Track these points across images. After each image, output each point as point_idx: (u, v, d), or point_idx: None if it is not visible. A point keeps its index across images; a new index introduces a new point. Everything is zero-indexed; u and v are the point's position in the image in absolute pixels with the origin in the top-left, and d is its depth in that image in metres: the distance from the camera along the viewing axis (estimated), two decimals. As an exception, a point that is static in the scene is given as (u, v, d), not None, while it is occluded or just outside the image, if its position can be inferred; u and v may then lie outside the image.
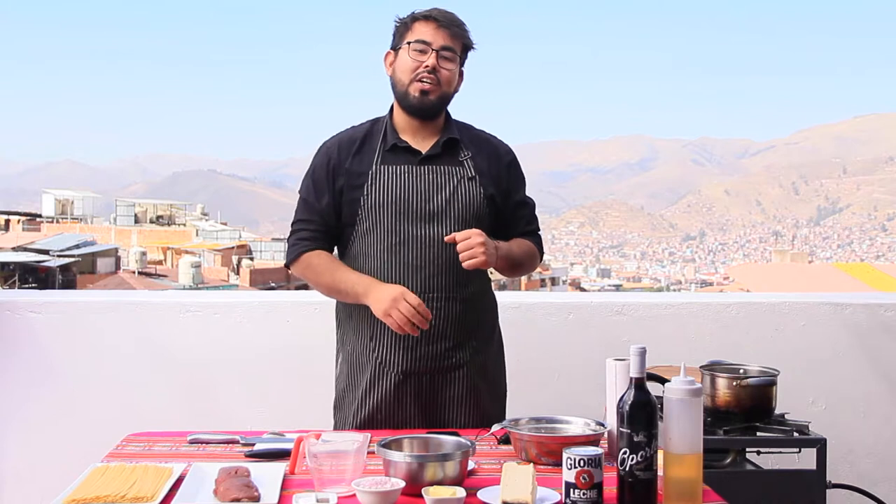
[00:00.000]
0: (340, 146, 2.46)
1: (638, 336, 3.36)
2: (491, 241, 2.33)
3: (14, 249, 32.62)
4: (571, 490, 1.70)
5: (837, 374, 3.57)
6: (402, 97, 2.42)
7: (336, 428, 2.49)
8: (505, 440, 2.17)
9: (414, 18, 2.43)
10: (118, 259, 35.43)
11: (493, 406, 2.50)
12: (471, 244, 2.27)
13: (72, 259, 31.59)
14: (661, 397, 1.79)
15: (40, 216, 47.05)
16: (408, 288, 2.34)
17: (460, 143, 2.47)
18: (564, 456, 1.72)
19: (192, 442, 2.24)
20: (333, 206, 2.44)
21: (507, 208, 2.51)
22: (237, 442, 2.23)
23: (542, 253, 2.60)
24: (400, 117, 2.46)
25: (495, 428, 2.17)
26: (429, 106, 2.41)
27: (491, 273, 2.55)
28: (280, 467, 1.96)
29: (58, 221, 45.68)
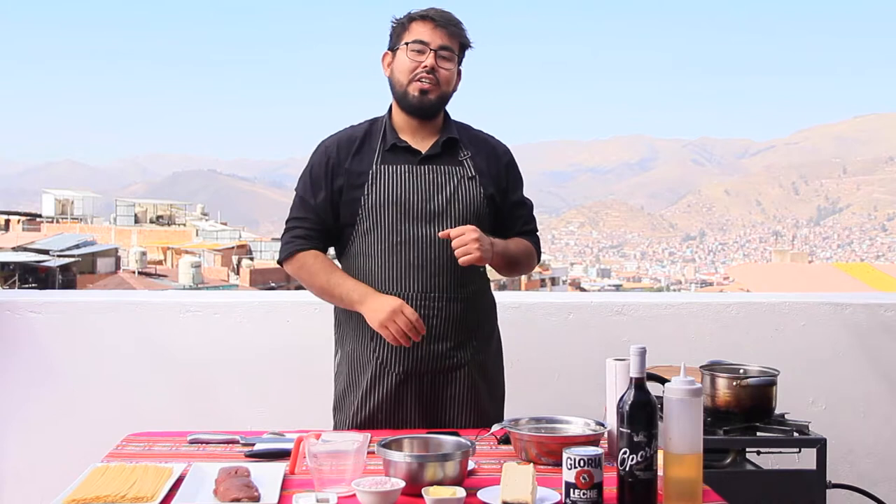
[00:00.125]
0: (340, 145, 2.46)
1: (638, 336, 3.36)
2: (486, 237, 2.32)
3: (14, 249, 32.62)
4: (571, 490, 1.70)
5: (837, 374, 3.57)
6: (401, 97, 2.42)
7: (336, 428, 2.49)
8: (505, 440, 2.17)
9: (411, 18, 2.42)
10: (118, 259, 35.43)
11: (492, 406, 2.51)
12: (465, 240, 2.26)
13: (72, 259, 31.59)
14: (661, 397, 1.79)
15: (40, 216, 47.06)
16: (408, 288, 2.35)
17: (460, 142, 2.47)
18: (564, 456, 1.72)
19: (192, 442, 2.24)
20: (331, 204, 2.43)
21: (505, 208, 2.51)
22: (237, 442, 2.23)
23: (539, 253, 2.60)
24: (399, 117, 2.46)
25: (495, 428, 2.17)
26: (428, 105, 2.41)
27: (490, 273, 2.55)
28: (280, 467, 1.96)
29: (58, 221, 45.68)
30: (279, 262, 2.51)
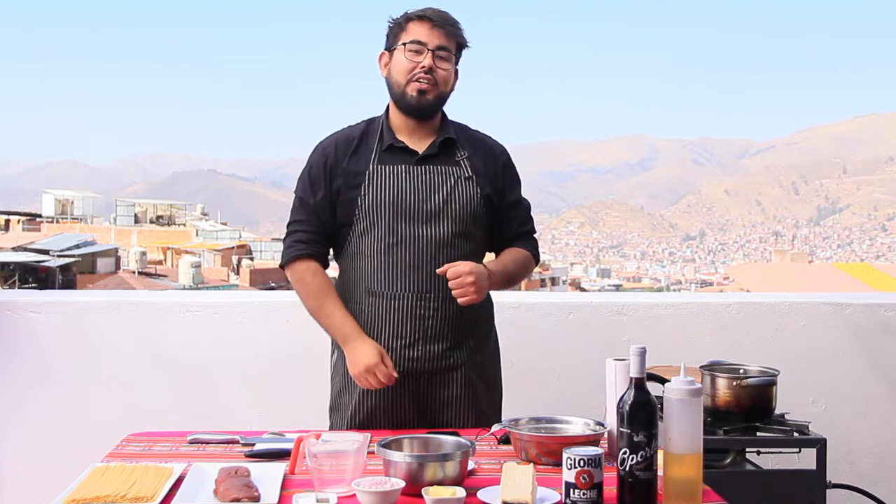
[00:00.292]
0: (338, 145, 2.46)
1: (638, 336, 3.36)
2: (483, 273, 2.32)
3: (14, 249, 32.62)
4: (571, 490, 1.70)
5: (837, 374, 3.57)
6: (399, 98, 2.42)
7: (332, 428, 2.49)
8: (505, 440, 2.17)
9: (408, 18, 2.42)
10: (118, 259, 35.42)
11: (489, 406, 2.50)
12: (462, 283, 2.28)
13: (72, 259, 31.59)
14: (661, 397, 1.79)
15: (40, 216, 47.06)
16: (404, 288, 2.36)
17: (457, 142, 2.46)
18: (564, 456, 1.71)
19: (192, 442, 2.24)
20: (330, 204, 2.43)
21: (502, 208, 2.51)
22: (237, 442, 2.23)
23: (537, 256, 2.59)
24: (396, 117, 2.45)
25: (495, 428, 2.17)
26: (426, 106, 2.40)
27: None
28: (280, 467, 1.96)
29: (58, 221, 45.69)
30: (281, 267, 2.52)
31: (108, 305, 3.49)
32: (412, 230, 2.37)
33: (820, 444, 2.60)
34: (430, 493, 1.72)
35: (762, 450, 2.78)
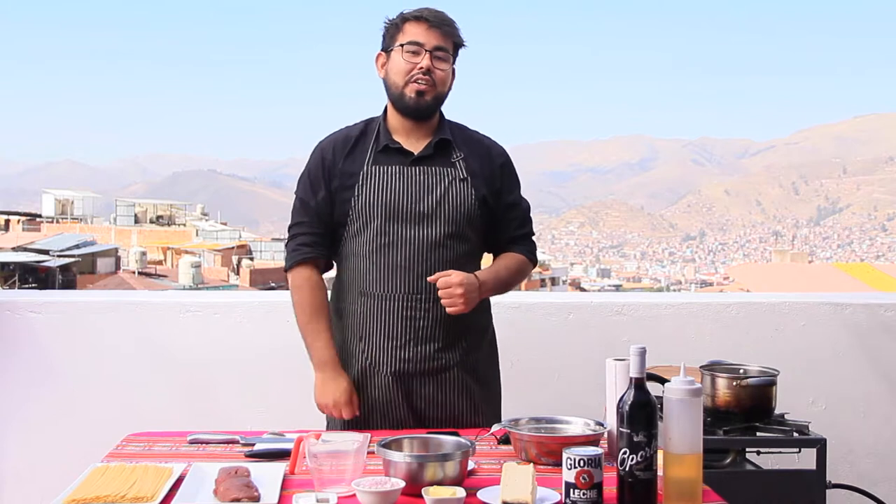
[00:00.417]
0: (335, 146, 2.46)
1: (638, 336, 3.36)
2: (474, 284, 2.32)
3: (14, 249, 32.62)
4: (571, 490, 1.70)
5: (837, 374, 3.57)
6: (397, 99, 2.41)
7: (329, 427, 2.49)
8: (505, 440, 2.17)
9: (404, 19, 2.41)
10: (118, 259, 35.43)
11: (485, 407, 2.48)
12: (451, 293, 2.28)
13: (72, 259, 31.59)
14: (661, 397, 1.79)
15: (40, 216, 47.07)
16: (395, 289, 2.36)
17: (453, 143, 2.45)
18: (564, 456, 1.71)
19: (192, 442, 2.24)
20: (330, 204, 2.44)
21: (498, 210, 2.49)
22: (237, 442, 2.23)
23: (534, 259, 2.57)
24: (394, 118, 2.45)
25: (495, 428, 2.17)
26: (425, 106, 2.40)
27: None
28: (280, 467, 1.96)
29: (58, 221, 45.69)
30: (285, 270, 2.52)
31: (108, 305, 3.49)
32: (404, 231, 2.36)
33: (820, 444, 2.60)
34: (430, 493, 1.72)
35: (762, 450, 2.78)
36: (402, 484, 1.76)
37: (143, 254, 36.33)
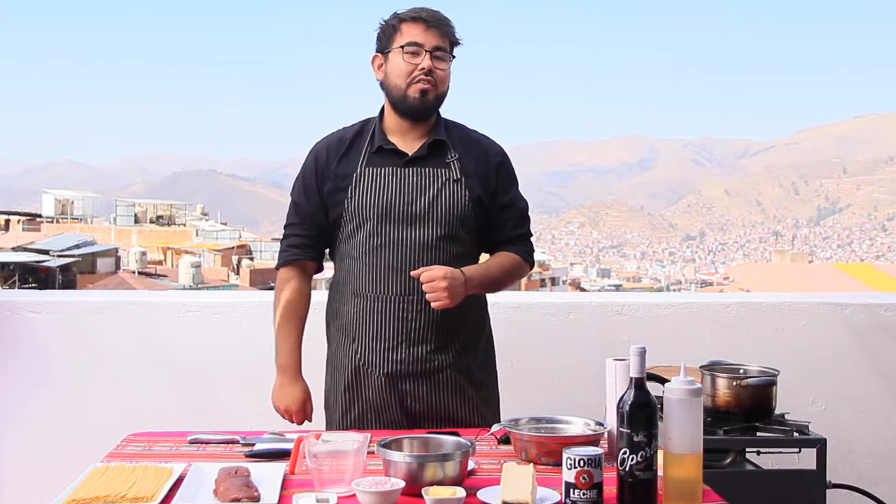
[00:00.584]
0: (329, 148, 2.46)
1: (638, 336, 3.36)
2: (458, 279, 2.30)
3: (14, 249, 32.63)
4: (571, 490, 1.70)
5: (837, 374, 3.57)
6: (399, 101, 2.39)
7: (327, 427, 2.50)
8: (505, 440, 2.17)
9: (401, 20, 2.39)
10: (118, 259, 35.44)
11: (482, 408, 2.47)
12: (435, 287, 2.27)
13: (72, 259, 31.60)
14: (661, 397, 1.79)
15: (40, 216, 47.08)
16: (388, 290, 2.36)
17: (448, 144, 2.44)
18: (564, 456, 1.71)
19: (192, 442, 2.24)
20: (322, 208, 2.45)
21: (493, 210, 2.47)
22: (237, 442, 2.23)
23: (530, 260, 2.55)
24: (391, 119, 2.44)
25: (495, 428, 2.17)
26: (428, 105, 2.39)
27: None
28: (280, 467, 1.96)
29: (58, 221, 45.70)
30: (276, 268, 2.57)
31: (108, 305, 3.49)
32: (397, 232, 2.36)
33: (820, 444, 2.60)
34: (430, 493, 1.72)
35: (762, 450, 2.78)
36: (402, 484, 1.76)
37: (143, 254, 36.35)
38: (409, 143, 2.43)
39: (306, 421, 2.50)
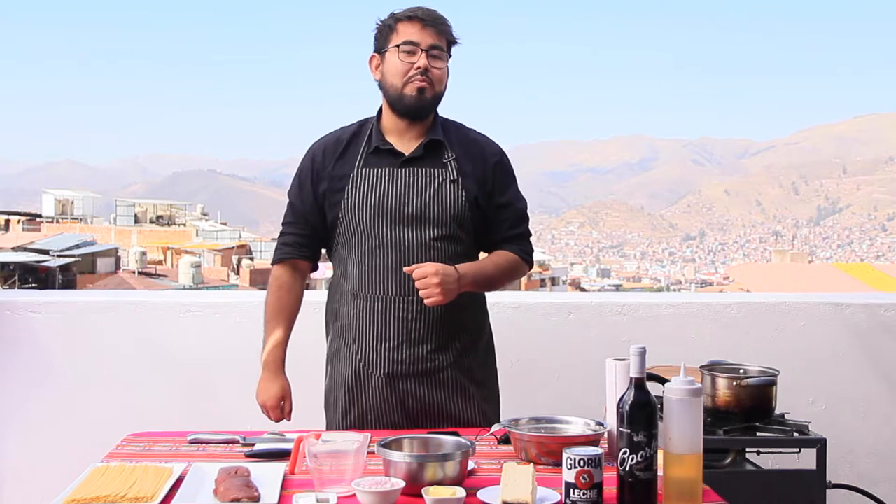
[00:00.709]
0: (326, 149, 2.46)
1: (638, 336, 3.36)
2: (451, 275, 2.28)
3: (14, 249, 32.63)
4: (571, 490, 1.70)
5: (837, 374, 3.57)
6: (396, 100, 2.39)
7: (327, 427, 2.50)
8: (505, 440, 2.17)
9: (397, 19, 2.39)
10: (118, 259, 35.44)
11: (483, 407, 2.47)
12: (428, 283, 2.26)
13: (72, 259, 31.60)
14: (661, 397, 1.79)
15: (40, 216, 47.08)
16: (387, 291, 2.36)
17: (445, 144, 2.43)
18: (564, 456, 1.71)
19: (192, 442, 2.24)
20: (317, 208, 2.45)
21: (490, 210, 2.47)
22: (237, 442, 2.23)
23: (528, 259, 2.54)
24: (388, 119, 2.44)
25: (495, 428, 2.17)
26: (425, 104, 2.38)
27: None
28: (280, 467, 1.96)
29: (58, 221, 45.71)
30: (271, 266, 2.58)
31: (108, 305, 3.49)
32: (394, 233, 2.36)
33: (820, 444, 2.60)
34: (430, 493, 1.72)
35: (762, 450, 2.78)
36: (402, 484, 1.76)
37: (143, 254, 36.35)
38: (406, 143, 2.42)
39: (285, 419, 2.50)
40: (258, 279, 32.87)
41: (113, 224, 46.77)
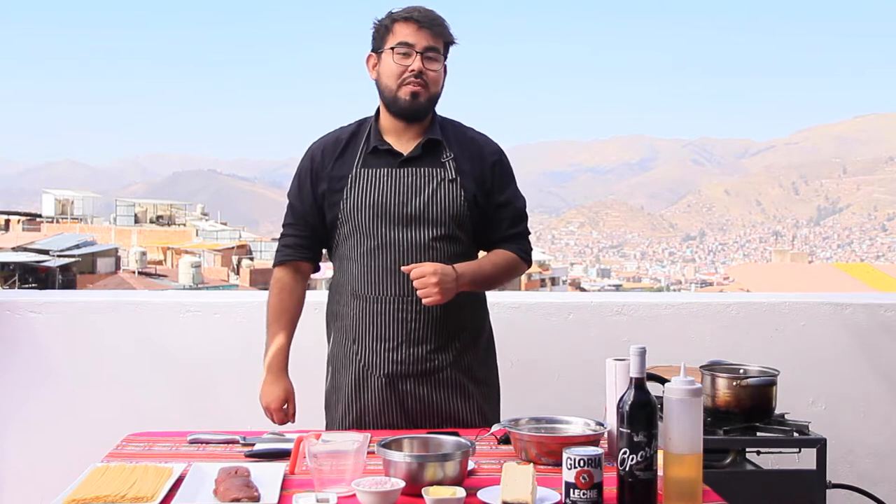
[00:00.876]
0: (325, 149, 2.46)
1: (638, 336, 3.36)
2: (449, 274, 2.28)
3: (14, 249, 32.63)
4: (571, 490, 1.70)
5: (837, 374, 3.57)
6: (391, 101, 2.39)
7: (327, 427, 2.50)
8: (505, 440, 2.17)
9: (393, 20, 2.38)
10: (118, 259, 35.45)
11: (483, 407, 2.47)
12: (426, 283, 2.26)
13: (72, 259, 31.60)
14: (661, 397, 1.79)
15: (40, 216, 47.09)
16: (386, 291, 2.36)
17: (443, 143, 2.43)
18: (564, 456, 1.71)
19: (192, 442, 2.24)
20: (317, 209, 2.45)
21: (489, 210, 2.46)
22: (237, 442, 2.23)
23: (527, 258, 2.54)
24: (386, 119, 2.44)
25: (495, 428, 2.17)
26: (419, 107, 2.38)
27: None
28: (280, 467, 1.96)
29: (58, 221, 45.72)
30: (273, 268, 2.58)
31: (108, 305, 3.49)
32: (393, 233, 2.36)
33: (820, 444, 2.60)
34: (430, 493, 1.72)
35: (762, 450, 2.78)
36: (402, 484, 1.76)
37: (143, 254, 36.35)
38: (404, 144, 2.42)
39: (289, 422, 2.49)
40: (258, 279, 32.86)
41: (113, 224, 46.78)
